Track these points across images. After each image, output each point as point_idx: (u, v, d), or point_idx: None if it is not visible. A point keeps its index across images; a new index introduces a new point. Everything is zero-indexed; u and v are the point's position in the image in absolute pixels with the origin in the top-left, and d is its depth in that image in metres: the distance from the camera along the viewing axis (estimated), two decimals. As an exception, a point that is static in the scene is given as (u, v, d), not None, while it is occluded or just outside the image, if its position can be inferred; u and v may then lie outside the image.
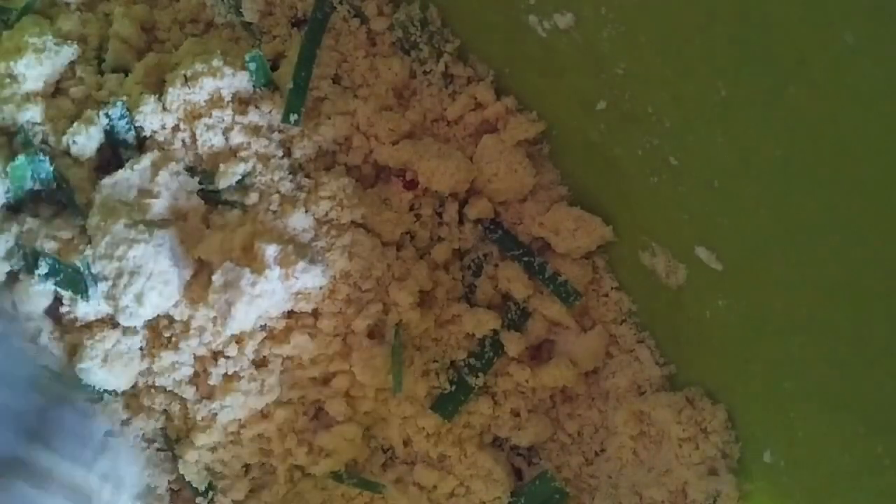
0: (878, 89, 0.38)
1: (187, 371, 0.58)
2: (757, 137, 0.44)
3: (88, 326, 0.57)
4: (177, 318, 0.57)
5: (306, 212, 0.58)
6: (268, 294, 0.56)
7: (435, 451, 0.61)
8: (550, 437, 0.63)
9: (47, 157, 0.57)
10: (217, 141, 0.58)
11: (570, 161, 0.60)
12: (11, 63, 0.57)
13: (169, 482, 0.62)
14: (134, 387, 0.59)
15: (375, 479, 0.62)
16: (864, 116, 0.39)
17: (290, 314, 0.58)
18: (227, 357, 0.58)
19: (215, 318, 0.56)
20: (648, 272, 0.57)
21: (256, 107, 0.59)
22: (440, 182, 0.59)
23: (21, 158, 0.56)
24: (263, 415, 0.60)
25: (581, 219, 0.59)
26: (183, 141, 0.58)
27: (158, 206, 0.56)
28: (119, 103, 0.57)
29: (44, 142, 0.58)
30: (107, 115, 0.57)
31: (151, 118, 0.57)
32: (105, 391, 0.58)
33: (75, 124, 0.57)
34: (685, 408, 0.56)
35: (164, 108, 0.58)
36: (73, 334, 0.57)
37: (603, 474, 0.61)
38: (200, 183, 0.58)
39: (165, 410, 0.60)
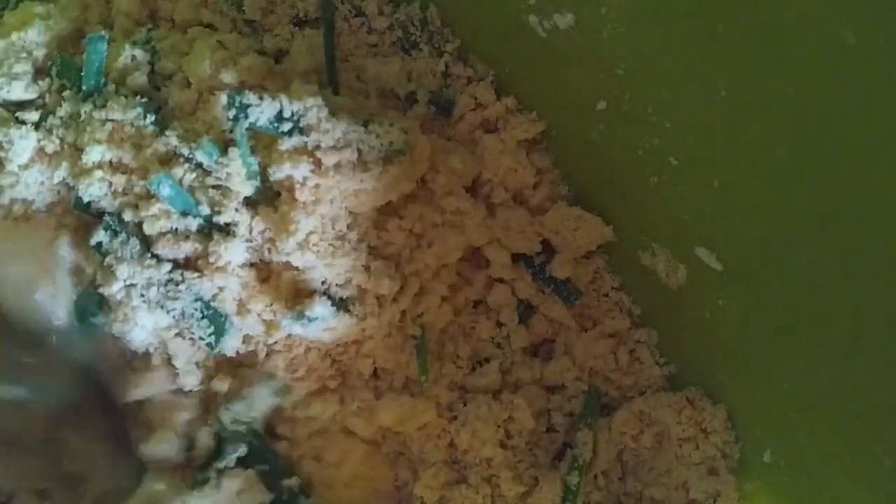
0: (879, 89, 0.38)
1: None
2: (757, 137, 0.44)
3: None
4: None
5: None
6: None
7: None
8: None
9: None
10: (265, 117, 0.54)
11: (570, 161, 0.60)
12: (21, 33, 0.57)
13: None
14: None
15: None
16: (865, 116, 0.39)
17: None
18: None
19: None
20: (648, 272, 0.57)
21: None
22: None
23: None
24: None
25: (581, 219, 0.59)
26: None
27: None
28: None
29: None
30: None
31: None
32: None
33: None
34: (685, 408, 0.56)
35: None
36: None
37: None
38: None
39: None
